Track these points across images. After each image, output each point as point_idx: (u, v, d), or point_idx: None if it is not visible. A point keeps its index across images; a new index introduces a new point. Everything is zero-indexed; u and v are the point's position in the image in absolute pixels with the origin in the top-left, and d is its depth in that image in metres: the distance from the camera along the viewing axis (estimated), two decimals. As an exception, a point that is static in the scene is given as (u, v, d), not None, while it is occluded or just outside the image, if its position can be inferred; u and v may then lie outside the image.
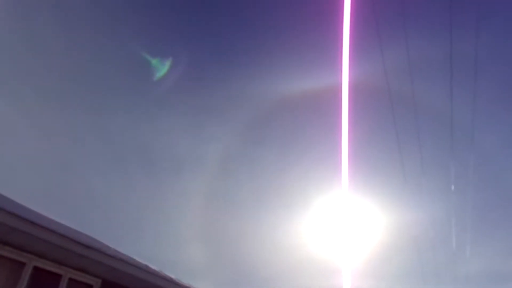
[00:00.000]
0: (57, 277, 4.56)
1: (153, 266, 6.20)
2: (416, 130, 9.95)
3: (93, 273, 4.65)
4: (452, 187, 12.97)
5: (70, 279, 4.68)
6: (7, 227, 3.49)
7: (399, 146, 10.66)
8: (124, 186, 23.88)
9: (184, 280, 7.32)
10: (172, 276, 6.58)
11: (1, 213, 3.33)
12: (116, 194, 23.33)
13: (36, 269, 4.27)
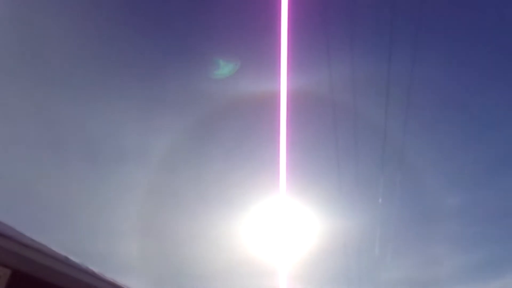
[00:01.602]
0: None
1: (74, 258, 5.94)
2: (353, 141, 10.57)
3: (1, 262, 4.32)
4: (380, 200, 13.97)
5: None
6: None
7: (337, 155, 11.26)
8: (58, 172, 22.40)
9: (110, 275, 7.09)
10: (95, 269, 6.34)
11: None
12: (48, 180, 21.81)
13: None
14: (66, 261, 5.42)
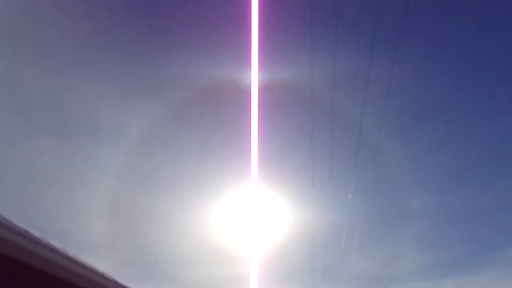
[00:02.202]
0: None
1: (35, 232, 5.82)
2: (327, 135, 10.74)
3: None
4: (350, 196, 14.34)
5: None
6: None
7: (312, 148, 11.42)
8: (26, 145, 21.65)
9: (75, 252, 7.00)
10: (57, 245, 6.24)
11: None
12: (14, 152, 21.04)
13: None
14: (25, 234, 5.31)
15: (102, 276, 7.55)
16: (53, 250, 5.97)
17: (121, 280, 8.43)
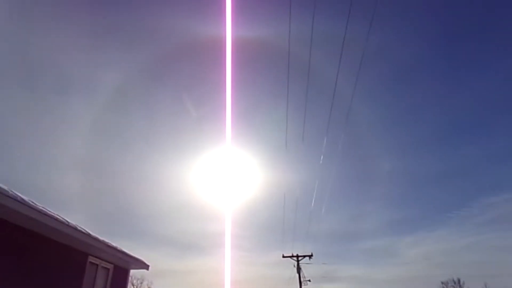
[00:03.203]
0: None
1: (2, 185, 5.71)
2: (301, 96, 10.76)
3: None
4: (321, 157, 14.72)
5: None
6: None
7: (286, 109, 11.47)
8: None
9: (40, 204, 6.94)
10: (24, 197, 6.17)
11: None
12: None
13: None
14: (-9, 186, 5.21)
15: (74, 228, 7.60)
16: (22, 202, 5.91)
17: (94, 233, 8.54)
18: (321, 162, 15.84)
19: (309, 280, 29.23)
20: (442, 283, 53.92)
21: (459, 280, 52.94)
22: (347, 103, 11.83)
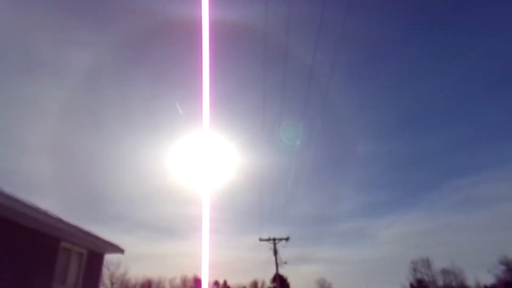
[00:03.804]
0: None
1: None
2: (279, 79, 10.73)
3: None
4: (298, 142, 14.85)
5: None
6: None
7: (262, 93, 11.42)
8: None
9: (14, 191, 6.71)
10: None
11: None
12: None
13: None
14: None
15: (44, 213, 7.39)
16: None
17: (66, 218, 8.34)
18: (297, 146, 15.98)
19: (285, 263, 29.93)
20: (412, 262, 56.71)
21: (428, 259, 55.82)
22: (324, 87, 11.91)
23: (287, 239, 29.40)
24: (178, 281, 59.44)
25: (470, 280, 52.11)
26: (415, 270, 55.94)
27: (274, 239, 29.51)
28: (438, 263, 55.06)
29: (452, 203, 72.11)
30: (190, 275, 60.35)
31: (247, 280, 68.34)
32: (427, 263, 55.47)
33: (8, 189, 6.51)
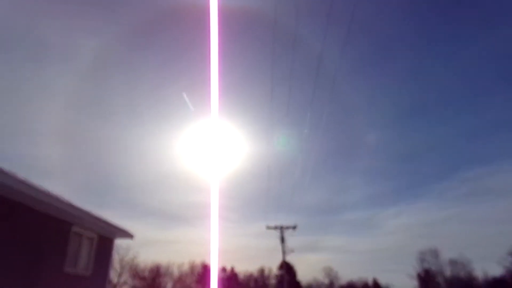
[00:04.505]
0: None
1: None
2: (288, 67, 10.60)
3: None
4: (306, 130, 14.78)
5: None
6: None
7: (271, 81, 11.35)
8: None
9: (27, 176, 6.84)
10: (5, 168, 6.06)
11: None
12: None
13: None
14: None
15: (56, 198, 7.56)
16: (2, 172, 5.82)
17: (77, 203, 8.51)
18: (304, 135, 15.94)
19: (292, 251, 30.17)
20: (420, 252, 56.65)
21: (435, 250, 55.70)
22: (333, 76, 11.78)
23: (294, 227, 29.55)
24: (186, 267, 60.47)
25: (478, 271, 51.99)
26: (422, 260, 55.97)
27: (281, 227, 29.70)
28: (446, 254, 54.93)
29: (461, 194, 71.45)
30: (198, 261, 61.34)
31: (254, 267, 69.18)
32: (435, 253, 55.39)
33: (21, 175, 6.65)
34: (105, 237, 10.65)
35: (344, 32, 8.78)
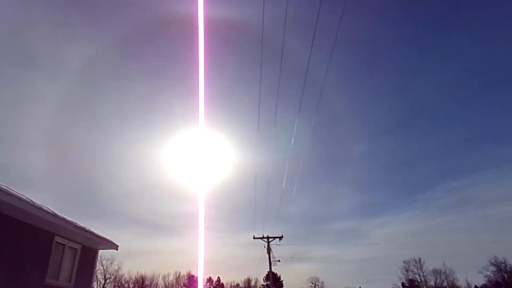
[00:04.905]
0: None
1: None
2: (275, 78, 10.73)
3: None
4: (293, 140, 14.95)
5: None
6: None
7: (259, 91, 11.47)
8: None
9: (10, 185, 6.74)
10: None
11: None
12: None
13: None
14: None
15: (39, 208, 7.44)
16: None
17: (61, 213, 8.38)
18: (291, 145, 16.11)
19: (279, 261, 30.10)
20: (404, 262, 57.26)
21: (420, 260, 56.37)
22: (320, 87, 11.97)
23: (280, 237, 29.53)
24: (171, 278, 59.45)
25: (461, 281, 52.74)
26: (407, 270, 56.51)
27: (268, 237, 29.65)
28: (430, 263, 55.64)
29: (445, 204, 72.77)
30: (184, 271, 60.38)
31: (241, 278, 68.54)
32: (419, 263, 56.05)
33: (3, 184, 6.55)
34: (88, 247, 10.46)
35: (331, 42, 8.99)
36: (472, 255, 61.59)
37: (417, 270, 56.17)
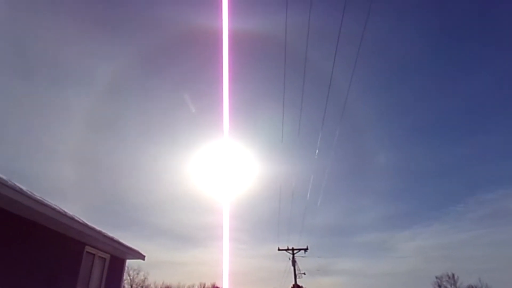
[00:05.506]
0: None
1: (1, 175, 5.79)
2: (298, 90, 10.78)
3: None
4: (317, 151, 14.83)
5: None
6: None
7: (281, 102, 11.53)
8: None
9: (38, 194, 7.03)
10: (23, 187, 6.26)
11: None
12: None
13: None
14: (-10, 176, 5.29)
15: (71, 218, 7.71)
16: (20, 191, 6.00)
17: (91, 224, 8.65)
18: (316, 156, 15.97)
19: (304, 273, 29.57)
20: (437, 277, 54.68)
21: (453, 275, 53.69)
22: (343, 97, 11.88)
23: (306, 249, 29.08)
24: (196, 289, 59.50)
25: (498, 297, 49.71)
26: (439, 285, 53.92)
27: (292, 249, 29.25)
28: (464, 279, 52.87)
29: (479, 216, 69.26)
30: (208, 283, 60.35)
31: (265, 290, 67.59)
32: (452, 278, 53.36)
33: (38, 194, 6.85)
34: (117, 257, 10.71)
35: (356, 52, 8.96)
36: (510, 270, 58.12)
37: (451, 286, 53.51)
